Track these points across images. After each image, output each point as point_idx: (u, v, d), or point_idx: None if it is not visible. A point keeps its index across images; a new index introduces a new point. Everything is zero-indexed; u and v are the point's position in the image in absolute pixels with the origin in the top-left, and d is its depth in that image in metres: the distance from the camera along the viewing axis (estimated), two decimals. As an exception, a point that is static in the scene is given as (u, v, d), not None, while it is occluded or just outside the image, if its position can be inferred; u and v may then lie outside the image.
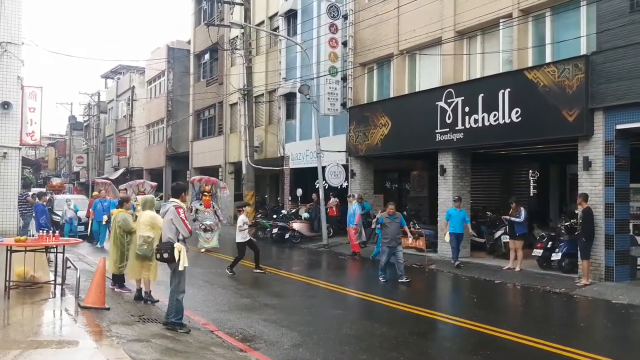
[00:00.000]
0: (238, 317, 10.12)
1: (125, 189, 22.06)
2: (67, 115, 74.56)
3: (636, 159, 14.05)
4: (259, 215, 27.12)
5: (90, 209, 21.94)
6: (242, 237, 15.50)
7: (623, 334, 9.76)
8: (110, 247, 12.30)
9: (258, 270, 15.54)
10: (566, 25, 15.47)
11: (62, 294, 10.64)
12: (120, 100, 56.45)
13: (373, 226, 16.45)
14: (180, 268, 8.57)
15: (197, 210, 20.92)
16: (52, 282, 11.15)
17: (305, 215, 24.59)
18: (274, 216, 25.44)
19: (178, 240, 8.64)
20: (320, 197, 22.62)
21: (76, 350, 7.36)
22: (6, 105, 22.12)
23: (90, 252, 19.23)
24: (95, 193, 24.77)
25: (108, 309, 9.68)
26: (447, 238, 16.59)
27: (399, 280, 13.80)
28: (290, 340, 8.57)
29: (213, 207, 21.43)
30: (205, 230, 20.75)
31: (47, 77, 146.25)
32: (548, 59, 15.55)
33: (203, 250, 20.45)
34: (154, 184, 26.00)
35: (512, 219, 15.62)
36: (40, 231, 12.63)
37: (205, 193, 21.16)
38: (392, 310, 11.04)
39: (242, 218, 15.69)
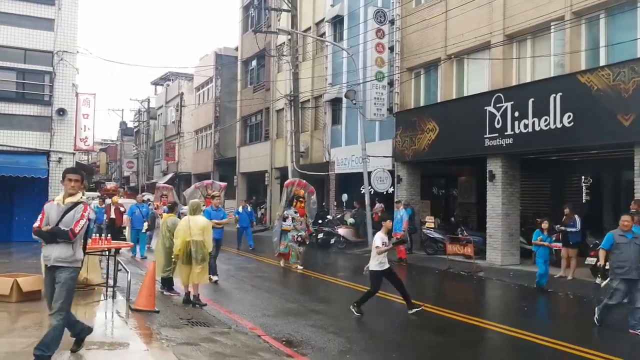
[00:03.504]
0: (285, 322, 10.11)
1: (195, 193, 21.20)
2: (118, 121, 76.64)
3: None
4: (304, 220, 27.14)
5: (126, 215, 20.24)
6: (377, 262, 11.01)
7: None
8: (157, 252, 12.47)
9: (414, 310, 10.89)
10: (622, 27, 15.06)
11: (114, 297, 10.90)
12: (169, 106, 57.38)
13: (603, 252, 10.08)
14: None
15: (293, 219, 17.81)
16: (104, 284, 11.38)
17: (350, 220, 24.51)
18: (319, 221, 25.41)
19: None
20: (366, 203, 22.50)
21: (127, 352, 7.46)
22: (62, 111, 22.81)
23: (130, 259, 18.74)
24: (115, 198, 23.10)
25: (158, 311, 9.82)
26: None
27: (630, 331, 9.60)
28: (338, 346, 8.51)
29: (306, 215, 18.45)
30: (300, 243, 17.74)
31: (99, 84, 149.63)
32: (602, 62, 15.18)
33: (299, 268, 17.36)
34: (224, 184, 25.68)
35: (567, 229, 15.25)
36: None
37: (301, 199, 18.15)
38: (439, 317, 10.87)
39: (380, 235, 11.13)
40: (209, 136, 47.20)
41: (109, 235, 12.05)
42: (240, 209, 24.01)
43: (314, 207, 20.20)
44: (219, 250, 14.57)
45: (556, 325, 11.11)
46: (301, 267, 17.13)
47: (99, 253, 11.65)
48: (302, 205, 18.12)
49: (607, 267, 10.33)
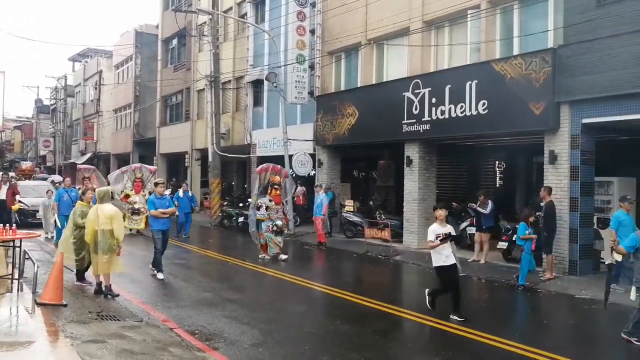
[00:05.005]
0: (199, 312, 9.94)
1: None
2: (33, 98, 73.35)
3: (601, 153, 14.13)
4: (225, 204, 26.93)
5: (53, 201, 18.52)
6: (438, 257, 10.11)
7: (584, 332, 9.78)
8: (65, 240, 11.81)
9: (457, 317, 9.85)
10: (534, 17, 15.47)
11: (20, 289, 10.34)
12: (87, 84, 55.57)
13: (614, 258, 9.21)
14: None
15: (267, 207, 16.82)
16: (10, 276, 10.84)
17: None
18: (240, 204, 25.24)
19: None
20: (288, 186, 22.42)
21: (28, 352, 7.12)
22: (-35, 90, 21.62)
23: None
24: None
25: (65, 305, 9.45)
26: (618, 257, 9.35)
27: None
28: (251, 338, 8.42)
29: (283, 203, 17.81)
30: (276, 233, 16.88)
31: (12, 60, 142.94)
32: (516, 51, 15.55)
33: (280, 257, 16.64)
34: (153, 167, 24.41)
35: (478, 209, 15.68)
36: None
37: (276, 186, 17.22)
38: (355, 305, 10.93)
39: (432, 228, 10.14)
40: (128, 116, 45.97)
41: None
42: (180, 193, 22.38)
43: (293, 190, 20.25)
44: (167, 243, 13.51)
45: (469, 310, 11.36)
46: (285, 257, 16.45)
47: (2, 245, 11.09)
48: (278, 192, 17.14)
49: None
